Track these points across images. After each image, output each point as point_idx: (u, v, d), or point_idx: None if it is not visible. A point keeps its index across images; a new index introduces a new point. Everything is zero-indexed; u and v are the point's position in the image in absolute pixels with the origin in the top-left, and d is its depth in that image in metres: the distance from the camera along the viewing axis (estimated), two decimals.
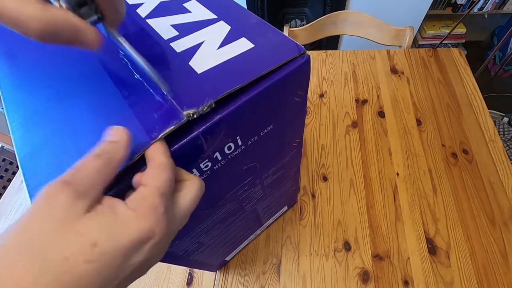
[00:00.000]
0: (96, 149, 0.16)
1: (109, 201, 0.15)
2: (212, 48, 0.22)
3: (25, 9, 0.12)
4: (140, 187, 0.16)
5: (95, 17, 0.15)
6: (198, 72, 0.20)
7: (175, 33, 0.23)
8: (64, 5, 0.14)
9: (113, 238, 0.13)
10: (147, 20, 0.25)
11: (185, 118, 0.18)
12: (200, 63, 0.21)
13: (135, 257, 0.14)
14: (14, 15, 0.12)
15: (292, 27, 0.96)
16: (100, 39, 0.15)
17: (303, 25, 1.08)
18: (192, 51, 0.22)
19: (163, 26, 0.24)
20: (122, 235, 0.14)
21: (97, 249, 0.13)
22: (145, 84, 0.20)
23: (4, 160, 1.17)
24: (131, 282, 0.15)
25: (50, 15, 0.13)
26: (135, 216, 0.14)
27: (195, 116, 0.18)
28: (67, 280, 0.12)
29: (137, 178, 0.17)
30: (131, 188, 0.17)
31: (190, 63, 0.21)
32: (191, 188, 0.18)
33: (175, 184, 0.17)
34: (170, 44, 0.23)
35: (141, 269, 0.15)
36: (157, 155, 0.16)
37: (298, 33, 0.97)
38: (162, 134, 0.17)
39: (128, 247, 0.14)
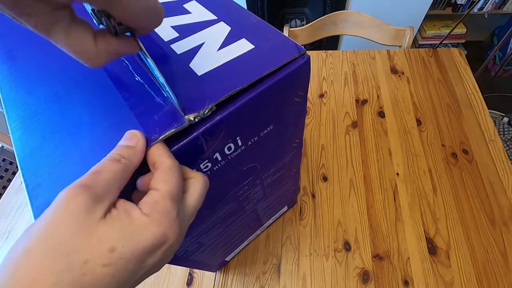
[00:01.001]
0: (114, 153, 0.16)
1: (124, 205, 0.15)
2: (213, 50, 0.22)
3: (84, 49, 0.15)
4: (151, 191, 0.16)
5: (127, 30, 0.17)
6: (199, 74, 0.20)
7: (175, 34, 0.23)
8: (104, 26, 0.16)
9: (129, 243, 0.14)
10: None
11: (186, 123, 0.18)
12: (201, 65, 0.21)
13: (149, 260, 0.15)
14: (77, 53, 0.15)
15: (292, 27, 0.96)
16: (137, 46, 0.18)
17: (303, 25, 1.08)
18: (192, 52, 0.22)
19: (163, 28, 0.24)
20: (138, 241, 0.14)
21: (114, 253, 0.13)
22: (146, 86, 0.20)
23: (4, 160, 1.17)
24: (143, 280, 0.16)
25: (103, 54, 0.16)
26: (149, 222, 0.15)
27: (196, 120, 0.18)
28: (85, 281, 0.13)
29: (143, 181, 0.17)
30: (135, 189, 0.17)
31: (191, 65, 0.21)
32: (197, 186, 0.18)
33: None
34: (171, 46, 0.23)
35: (154, 269, 0.16)
36: (163, 157, 0.17)
37: (298, 33, 0.97)
38: (163, 136, 0.17)
39: (143, 252, 0.14)
